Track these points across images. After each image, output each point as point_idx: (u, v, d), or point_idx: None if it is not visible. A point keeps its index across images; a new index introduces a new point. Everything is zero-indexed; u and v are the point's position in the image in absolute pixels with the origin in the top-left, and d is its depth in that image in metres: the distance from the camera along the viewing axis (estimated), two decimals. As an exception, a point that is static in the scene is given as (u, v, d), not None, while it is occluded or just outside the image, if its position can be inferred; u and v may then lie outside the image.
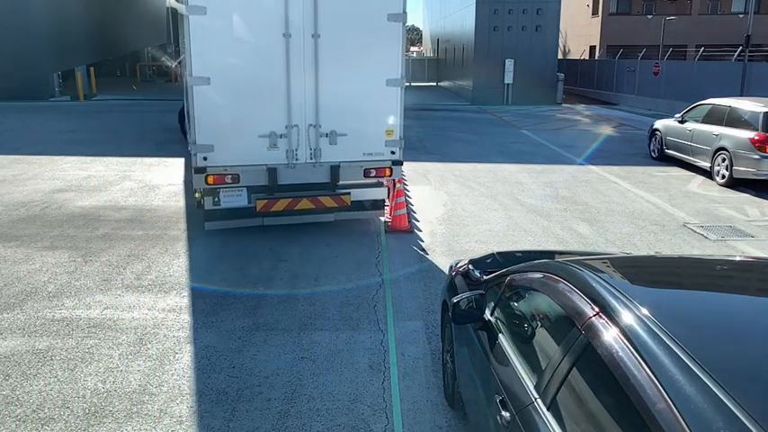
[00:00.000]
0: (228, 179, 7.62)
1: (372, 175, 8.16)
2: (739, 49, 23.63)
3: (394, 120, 8.05)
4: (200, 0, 7.07)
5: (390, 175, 8.23)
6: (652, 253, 7.76)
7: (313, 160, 7.90)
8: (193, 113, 7.42)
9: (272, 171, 7.77)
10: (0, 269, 7.05)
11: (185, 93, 8.86)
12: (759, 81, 21.32)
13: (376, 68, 7.86)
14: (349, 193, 8.11)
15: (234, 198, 7.75)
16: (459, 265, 4.79)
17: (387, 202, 8.92)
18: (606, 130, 20.42)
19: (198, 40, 7.20)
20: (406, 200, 10.07)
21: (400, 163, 8.23)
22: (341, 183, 8.10)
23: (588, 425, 2.23)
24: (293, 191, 7.96)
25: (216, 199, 7.71)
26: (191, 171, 7.89)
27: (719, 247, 8.32)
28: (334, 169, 7.96)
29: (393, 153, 8.13)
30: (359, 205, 8.40)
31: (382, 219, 9.11)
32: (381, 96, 7.93)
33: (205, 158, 7.51)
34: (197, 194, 7.87)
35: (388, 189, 8.60)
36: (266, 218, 8.13)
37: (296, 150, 7.82)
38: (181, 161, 13.41)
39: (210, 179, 7.57)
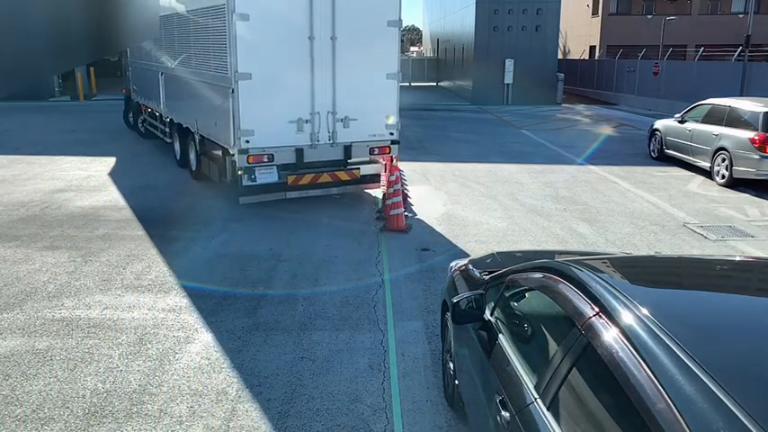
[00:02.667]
0: (265, 159, 8.90)
1: (376, 153, 9.71)
2: (739, 49, 23.62)
3: (392, 107, 9.64)
4: (244, 9, 8.39)
5: (389, 153, 9.76)
6: (652, 253, 7.76)
7: (331, 141, 9.34)
8: (238, 104, 8.62)
9: (299, 151, 9.13)
10: (0, 269, 7.05)
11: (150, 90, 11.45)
12: (759, 81, 21.31)
13: (378, 65, 9.39)
14: (359, 168, 9.72)
15: (267, 175, 9.01)
16: (459, 265, 4.79)
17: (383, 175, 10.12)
18: (606, 130, 20.42)
19: (242, 42, 8.48)
20: (404, 199, 10.07)
21: (398, 142, 9.88)
22: (352, 160, 9.62)
23: (588, 425, 2.23)
24: (315, 167, 9.40)
25: (252, 176, 8.92)
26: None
27: (719, 247, 8.32)
28: (347, 148, 9.48)
29: (392, 134, 9.75)
30: (362, 179, 9.91)
31: (376, 193, 10.18)
32: (382, 87, 9.49)
33: (247, 141, 8.74)
34: (239, 172, 8.92)
35: (385, 165, 9.90)
36: (289, 192, 9.38)
37: (318, 133, 9.22)
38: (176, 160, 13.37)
39: (251, 159, 8.79)
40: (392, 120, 9.62)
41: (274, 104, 8.84)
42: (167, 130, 13.30)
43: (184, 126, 11.69)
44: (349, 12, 8.97)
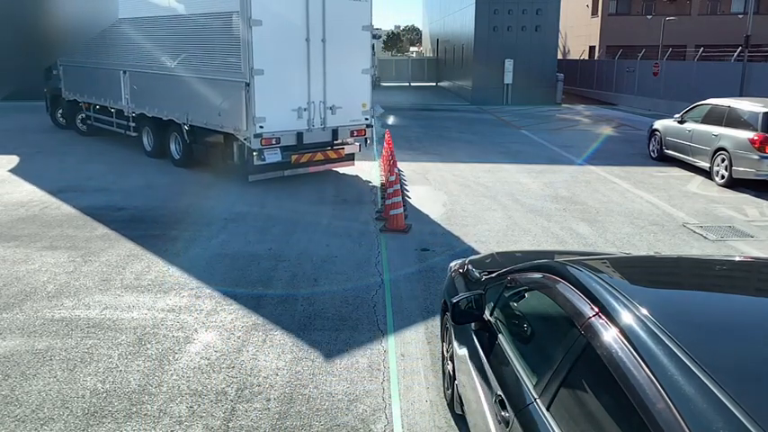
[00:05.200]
0: (273, 141, 10.59)
1: (355, 135, 11.83)
2: (739, 50, 23.62)
3: (367, 96, 11.85)
4: (258, 15, 10.02)
5: (365, 135, 11.95)
6: (652, 253, 7.76)
7: (322, 126, 11.30)
8: (253, 95, 10.22)
9: (299, 134, 10.98)
10: (0, 269, 7.05)
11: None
12: (759, 81, 21.32)
13: (356, 62, 11.51)
14: (344, 148, 11.86)
15: (274, 155, 10.63)
16: (458, 265, 4.79)
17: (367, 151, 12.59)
18: (606, 131, 20.43)
19: (257, 43, 10.10)
20: (404, 199, 10.08)
21: (371, 126, 12.22)
22: (337, 141, 11.66)
23: (588, 425, 2.23)
24: (310, 148, 11.27)
25: (262, 156, 10.51)
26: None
27: (719, 247, 8.32)
28: (335, 131, 11.50)
29: (366, 119, 11.96)
30: (345, 157, 12.00)
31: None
32: (359, 81, 11.65)
33: (261, 127, 10.37)
34: (254, 154, 10.44)
35: (360, 146, 12.23)
36: (287, 170, 11.30)
37: (313, 119, 11.12)
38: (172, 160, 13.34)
39: (263, 141, 10.45)
40: (367, 106, 11.83)
41: (280, 95, 10.51)
42: (132, 124, 14.22)
43: (165, 119, 12.70)
44: (335, 18, 10.91)
